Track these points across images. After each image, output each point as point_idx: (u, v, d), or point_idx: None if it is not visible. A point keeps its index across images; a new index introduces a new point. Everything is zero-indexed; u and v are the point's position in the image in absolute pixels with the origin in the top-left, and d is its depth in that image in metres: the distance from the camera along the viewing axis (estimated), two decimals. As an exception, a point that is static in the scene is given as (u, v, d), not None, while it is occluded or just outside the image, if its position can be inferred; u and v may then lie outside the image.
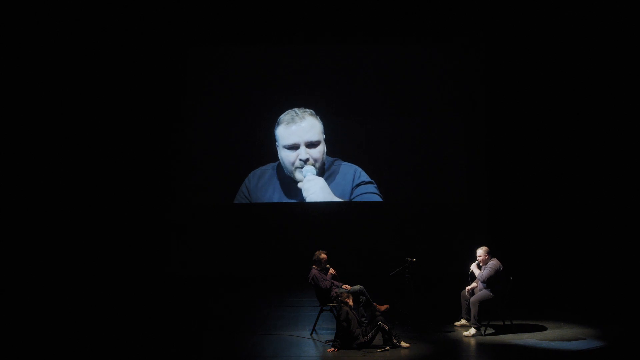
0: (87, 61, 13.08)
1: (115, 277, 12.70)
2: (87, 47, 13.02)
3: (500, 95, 13.43)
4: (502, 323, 9.08)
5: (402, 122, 13.71)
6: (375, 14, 13.25)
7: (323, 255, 9.22)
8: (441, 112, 13.71)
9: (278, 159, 13.65)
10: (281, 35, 13.53)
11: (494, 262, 8.96)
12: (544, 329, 9.17)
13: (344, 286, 9.03)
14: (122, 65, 13.25)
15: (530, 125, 13.27)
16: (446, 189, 13.73)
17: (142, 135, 13.41)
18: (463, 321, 9.28)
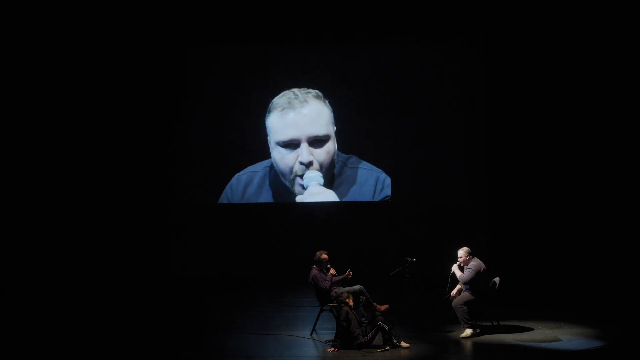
0: (87, 61, 13.07)
1: (115, 277, 12.69)
2: (87, 47, 13.01)
3: (500, 95, 13.43)
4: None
5: (402, 122, 13.69)
6: (375, 14, 13.24)
7: (324, 256, 9.20)
8: (441, 112, 13.71)
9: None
10: (281, 35, 13.51)
11: (474, 263, 8.89)
12: (544, 329, 9.16)
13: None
14: (122, 65, 13.24)
15: (530, 125, 13.27)
16: (446, 189, 13.73)
17: (143, 136, 13.39)
18: None
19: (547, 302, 10.88)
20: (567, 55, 13.04)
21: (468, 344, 8.58)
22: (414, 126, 13.72)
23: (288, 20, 13.30)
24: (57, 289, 11.85)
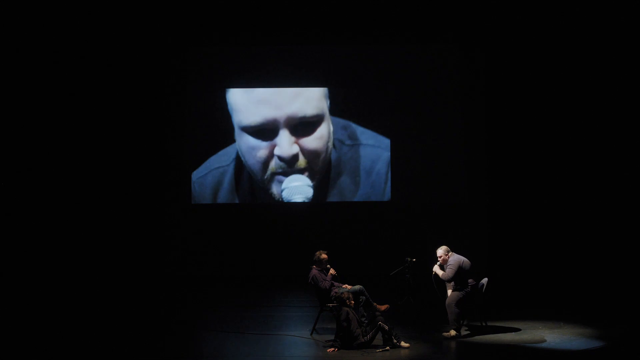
0: (87, 62, 13.06)
1: (113, 277, 12.68)
2: (87, 48, 13.01)
3: (500, 95, 13.45)
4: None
5: (402, 122, 13.70)
6: (376, 14, 13.25)
7: (324, 256, 9.18)
8: (441, 112, 13.72)
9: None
10: (281, 35, 13.49)
11: (453, 259, 8.87)
12: (543, 329, 9.16)
13: (344, 286, 9.02)
14: (122, 65, 13.24)
15: (530, 125, 13.29)
16: (446, 189, 13.74)
17: (142, 136, 13.38)
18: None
19: (547, 302, 10.87)
20: (567, 55, 13.06)
21: (467, 344, 8.57)
22: (414, 126, 13.73)
23: (288, 20, 13.29)
24: (54, 288, 11.84)
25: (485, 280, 8.99)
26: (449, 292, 9.01)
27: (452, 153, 13.75)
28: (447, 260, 8.92)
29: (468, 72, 13.74)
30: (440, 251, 9.00)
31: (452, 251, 8.96)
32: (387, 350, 8.17)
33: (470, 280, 8.85)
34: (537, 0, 12.84)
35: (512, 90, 13.34)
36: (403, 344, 8.29)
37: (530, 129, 13.29)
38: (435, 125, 13.74)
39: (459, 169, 13.78)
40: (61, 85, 13.00)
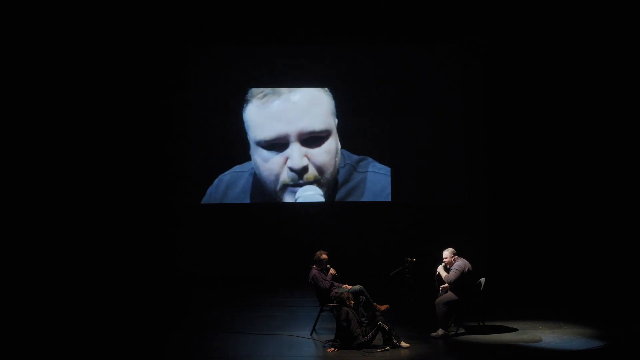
0: (88, 62, 13.06)
1: (115, 277, 12.68)
2: (87, 48, 13.00)
3: (500, 95, 13.45)
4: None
5: (402, 122, 13.70)
6: (376, 14, 13.25)
7: (324, 256, 9.18)
8: (441, 112, 13.72)
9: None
10: (281, 35, 13.48)
11: (459, 263, 8.87)
12: (543, 329, 9.16)
13: (344, 286, 9.03)
14: (122, 65, 13.22)
15: (530, 125, 13.29)
16: (446, 189, 13.74)
17: (142, 136, 13.38)
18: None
19: (547, 302, 10.88)
20: (567, 55, 13.07)
21: (468, 344, 8.57)
22: (414, 126, 13.72)
23: (288, 20, 13.27)
24: (57, 287, 11.84)
25: (482, 280, 8.99)
26: (442, 286, 8.99)
27: (452, 153, 13.75)
28: (452, 262, 8.91)
29: (468, 72, 13.74)
30: (447, 253, 8.98)
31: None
32: (387, 350, 8.17)
33: None
34: (537, 0, 12.85)
35: (512, 90, 13.34)
36: (403, 344, 8.30)
37: (530, 128, 13.30)
38: (435, 125, 13.73)
39: (459, 169, 13.77)
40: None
